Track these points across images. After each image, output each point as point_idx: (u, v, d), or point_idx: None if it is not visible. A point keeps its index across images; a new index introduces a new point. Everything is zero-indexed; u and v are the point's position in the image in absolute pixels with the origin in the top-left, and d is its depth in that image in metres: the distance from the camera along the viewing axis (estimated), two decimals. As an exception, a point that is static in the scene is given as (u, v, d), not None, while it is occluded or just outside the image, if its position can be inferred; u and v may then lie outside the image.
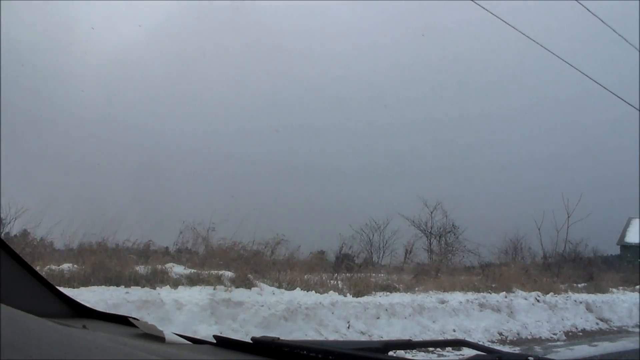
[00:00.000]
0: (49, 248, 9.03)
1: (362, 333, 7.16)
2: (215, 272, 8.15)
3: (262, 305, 6.71)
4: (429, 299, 8.72)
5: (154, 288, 6.85)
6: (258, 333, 5.62)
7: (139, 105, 20.74)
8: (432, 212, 17.00)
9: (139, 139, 19.23)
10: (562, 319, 9.58)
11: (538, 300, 9.86)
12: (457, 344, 1.97)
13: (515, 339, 8.31)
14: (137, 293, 6.31)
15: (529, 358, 1.34)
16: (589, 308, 10.44)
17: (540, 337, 8.64)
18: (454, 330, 7.96)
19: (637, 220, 25.74)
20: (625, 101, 9.86)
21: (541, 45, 8.60)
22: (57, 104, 17.66)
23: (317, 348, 1.28)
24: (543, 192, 22.03)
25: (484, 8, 7.76)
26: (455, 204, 17.02)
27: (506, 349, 7.02)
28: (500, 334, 8.38)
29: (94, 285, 6.71)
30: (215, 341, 1.42)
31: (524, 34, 8.42)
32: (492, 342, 7.84)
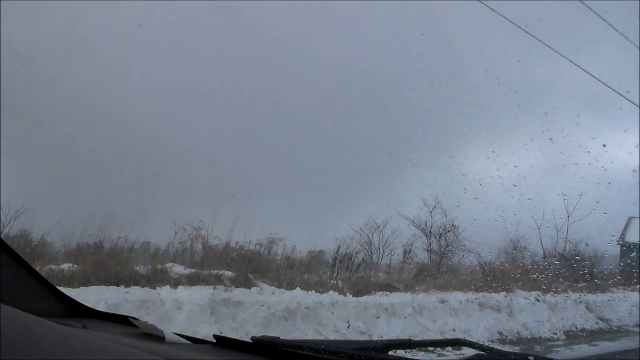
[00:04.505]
0: (48, 248, 9.04)
1: (362, 333, 7.16)
2: (215, 271, 8.16)
3: (262, 305, 6.70)
4: (428, 298, 8.72)
5: (154, 288, 6.86)
6: (258, 333, 5.61)
7: (138, 104, 20.73)
8: (431, 212, 16.99)
9: (139, 138, 19.21)
10: (562, 319, 9.57)
11: (538, 300, 9.86)
12: (457, 343, 1.97)
13: (515, 338, 8.30)
14: (137, 293, 6.31)
15: (529, 358, 1.34)
16: (589, 308, 10.44)
17: (540, 336, 8.64)
18: (454, 330, 7.95)
19: (637, 220, 25.73)
20: (625, 97, 9.85)
21: (543, 42, 8.60)
22: (56, 103, 17.65)
23: (317, 348, 1.28)
24: (543, 191, 22.01)
25: (487, 5, 7.75)
26: (455, 203, 17.02)
27: (506, 348, 7.01)
28: (500, 333, 8.37)
29: (94, 285, 6.73)
30: (215, 341, 1.42)
31: (525, 31, 8.42)
32: (492, 341, 7.83)
